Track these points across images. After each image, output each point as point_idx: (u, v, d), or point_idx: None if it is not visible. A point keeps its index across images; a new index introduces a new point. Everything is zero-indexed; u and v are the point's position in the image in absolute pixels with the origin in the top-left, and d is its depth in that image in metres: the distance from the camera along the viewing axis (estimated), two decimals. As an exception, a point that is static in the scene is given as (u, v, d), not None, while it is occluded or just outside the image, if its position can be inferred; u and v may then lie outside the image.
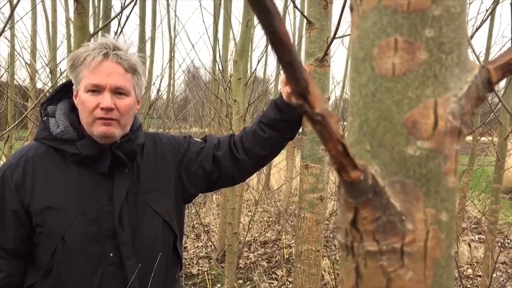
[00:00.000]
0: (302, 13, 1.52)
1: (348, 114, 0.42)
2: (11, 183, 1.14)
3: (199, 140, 1.40)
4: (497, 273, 4.23)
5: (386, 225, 0.38)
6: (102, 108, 1.14)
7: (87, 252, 1.14)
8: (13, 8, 1.43)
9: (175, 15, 5.91)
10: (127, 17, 2.27)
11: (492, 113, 3.08)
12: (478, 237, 5.44)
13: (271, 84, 5.88)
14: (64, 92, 1.25)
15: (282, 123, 1.32)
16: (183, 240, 5.21)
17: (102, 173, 1.18)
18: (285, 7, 5.50)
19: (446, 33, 0.37)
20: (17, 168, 1.16)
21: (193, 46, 5.51)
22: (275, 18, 0.32)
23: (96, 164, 1.18)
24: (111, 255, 1.16)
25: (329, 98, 1.52)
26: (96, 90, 1.14)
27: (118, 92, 1.16)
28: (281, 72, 5.83)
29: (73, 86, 1.21)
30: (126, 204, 1.19)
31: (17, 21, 4.68)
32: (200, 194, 6.29)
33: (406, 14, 0.37)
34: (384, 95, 0.38)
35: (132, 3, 2.22)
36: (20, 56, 4.84)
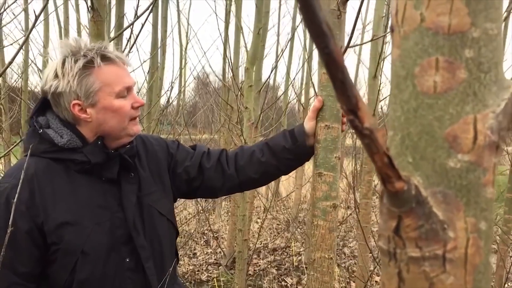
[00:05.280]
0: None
1: (389, 128, 0.44)
2: (20, 205, 1.06)
3: (188, 146, 1.42)
4: (509, 284, 4.20)
5: (428, 233, 0.40)
6: (137, 107, 1.16)
7: (106, 261, 1.14)
8: (36, 18, 1.47)
9: (188, 22, 5.98)
10: (142, 26, 2.32)
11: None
12: (489, 246, 5.39)
13: (283, 93, 5.91)
14: (47, 105, 1.19)
15: (288, 154, 1.33)
16: (193, 246, 5.22)
17: (108, 179, 1.17)
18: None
19: (484, 53, 0.40)
20: (21, 188, 1.07)
21: (204, 54, 5.56)
22: (330, 41, 0.35)
23: (103, 171, 1.16)
24: (127, 260, 1.17)
25: (343, 107, 1.53)
26: (126, 93, 1.15)
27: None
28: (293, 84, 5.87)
29: (79, 101, 1.12)
30: (135, 207, 1.20)
31: (31, 29, 4.77)
32: (210, 200, 6.30)
33: (446, 36, 0.40)
34: (426, 111, 0.41)
35: (147, 12, 2.27)
36: (33, 62, 4.92)
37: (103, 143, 1.16)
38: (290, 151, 1.33)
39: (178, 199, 1.50)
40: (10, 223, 0.92)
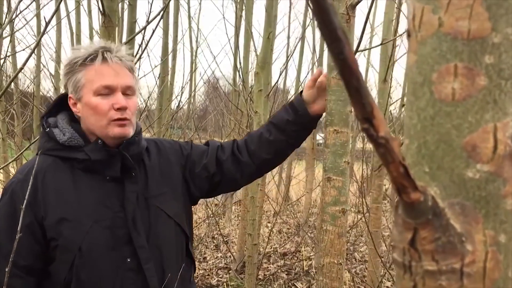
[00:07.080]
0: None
1: (404, 136, 0.43)
2: (22, 199, 1.05)
3: (201, 144, 1.42)
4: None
5: (445, 246, 0.39)
6: (118, 109, 1.15)
7: (105, 260, 1.14)
8: (47, 23, 1.48)
9: (197, 27, 6.03)
10: (153, 31, 2.32)
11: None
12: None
13: (292, 96, 5.91)
14: (61, 104, 1.25)
15: (293, 126, 1.33)
16: (203, 250, 5.22)
17: (113, 178, 1.18)
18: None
19: (505, 59, 0.38)
20: (25, 183, 1.09)
21: (214, 58, 5.58)
22: (344, 47, 0.34)
23: (106, 169, 1.18)
24: (128, 260, 1.16)
25: (351, 111, 1.52)
26: (107, 92, 1.15)
27: (127, 92, 1.18)
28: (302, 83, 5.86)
29: (71, 95, 1.19)
30: (138, 208, 1.19)
31: (42, 34, 4.83)
32: (220, 203, 6.30)
33: (466, 41, 0.38)
34: (444, 119, 0.39)
35: (158, 17, 2.27)
36: (45, 67, 4.97)
37: (104, 142, 1.18)
38: (294, 122, 1.34)
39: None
40: (20, 223, 0.93)
